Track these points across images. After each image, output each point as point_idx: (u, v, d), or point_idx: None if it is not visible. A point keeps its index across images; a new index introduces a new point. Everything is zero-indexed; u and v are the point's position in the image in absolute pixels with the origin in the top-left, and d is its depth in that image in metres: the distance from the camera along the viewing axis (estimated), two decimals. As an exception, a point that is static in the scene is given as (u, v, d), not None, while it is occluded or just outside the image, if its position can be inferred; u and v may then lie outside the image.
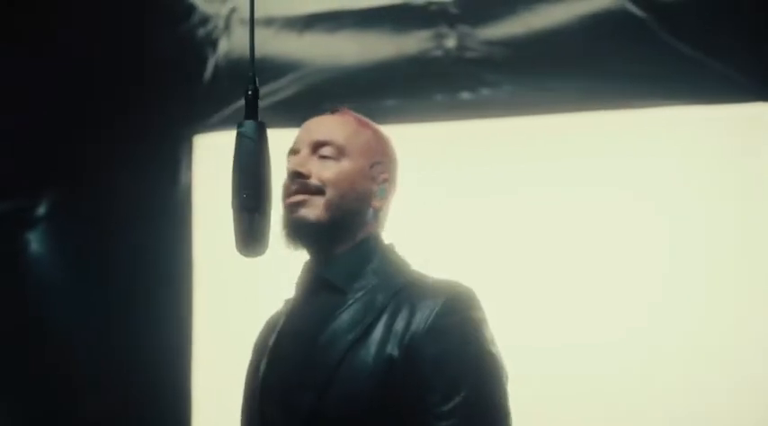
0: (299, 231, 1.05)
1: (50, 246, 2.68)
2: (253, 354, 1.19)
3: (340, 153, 1.07)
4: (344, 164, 1.06)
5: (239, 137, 0.94)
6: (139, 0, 2.27)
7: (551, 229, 2.33)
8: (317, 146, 1.08)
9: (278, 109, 2.61)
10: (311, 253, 1.09)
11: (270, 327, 1.17)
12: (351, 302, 1.00)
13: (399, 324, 0.94)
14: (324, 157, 1.06)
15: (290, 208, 1.05)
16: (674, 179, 2.30)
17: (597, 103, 2.39)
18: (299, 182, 1.04)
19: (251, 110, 0.95)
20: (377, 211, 1.10)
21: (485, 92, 2.51)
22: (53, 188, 2.68)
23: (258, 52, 2.56)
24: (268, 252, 0.96)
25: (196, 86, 2.63)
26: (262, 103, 2.81)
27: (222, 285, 2.67)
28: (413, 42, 2.46)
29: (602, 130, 2.40)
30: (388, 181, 1.13)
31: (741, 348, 2.19)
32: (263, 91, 2.82)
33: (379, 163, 1.12)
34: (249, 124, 0.94)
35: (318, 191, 1.04)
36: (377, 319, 0.96)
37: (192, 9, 2.37)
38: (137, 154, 2.66)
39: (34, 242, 2.65)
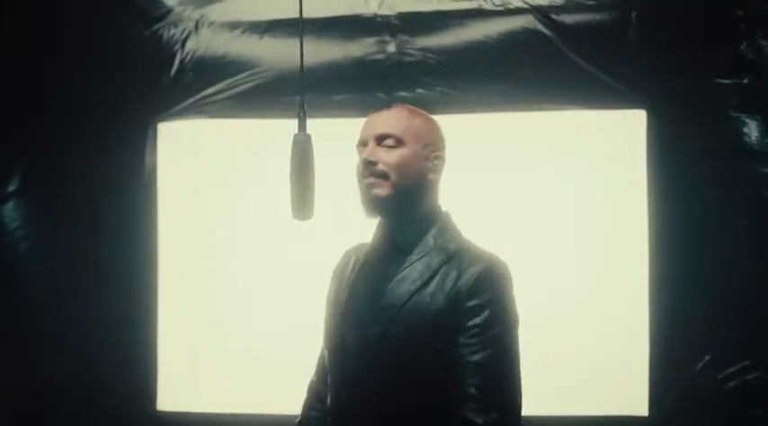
0: (374, 205, 1.30)
1: (22, 220, 2.84)
2: (333, 283, 1.46)
3: (398, 142, 1.30)
4: (403, 151, 1.30)
5: (294, 142, 1.28)
6: (120, 1, 2.45)
7: (476, 210, 2.72)
8: (380, 139, 1.31)
9: (239, 99, 2.90)
10: (384, 220, 1.37)
11: (346, 265, 1.45)
12: (413, 261, 1.26)
13: (449, 283, 1.21)
14: (386, 147, 1.30)
15: (367, 188, 1.30)
16: (573, 166, 2.76)
17: (513, 105, 2.79)
18: (370, 169, 1.29)
19: (302, 125, 1.30)
20: (433, 183, 1.35)
21: (420, 91, 2.83)
22: (24, 166, 2.84)
23: (223, 51, 2.86)
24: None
25: (163, 79, 2.85)
26: (222, 95, 3.12)
27: (184, 251, 2.95)
28: (359, 47, 2.76)
29: (517, 127, 2.80)
30: (439, 157, 1.37)
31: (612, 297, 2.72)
32: (224, 84, 3.12)
33: (431, 143, 1.35)
34: (301, 134, 1.29)
35: (384, 175, 1.28)
36: (432, 277, 1.24)
37: (167, 12, 2.58)
38: (105, 137, 2.86)
39: (6, 216, 2.81)
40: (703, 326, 2.67)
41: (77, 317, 2.86)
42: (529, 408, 2.68)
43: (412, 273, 1.26)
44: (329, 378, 1.38)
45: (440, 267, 1.25)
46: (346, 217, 1.66)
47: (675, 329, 2.69)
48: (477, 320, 1.19)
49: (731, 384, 2.64)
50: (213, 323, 2.91)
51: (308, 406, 1.55)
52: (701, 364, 2.68)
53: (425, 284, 1.24)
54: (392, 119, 1.33)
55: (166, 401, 2.91)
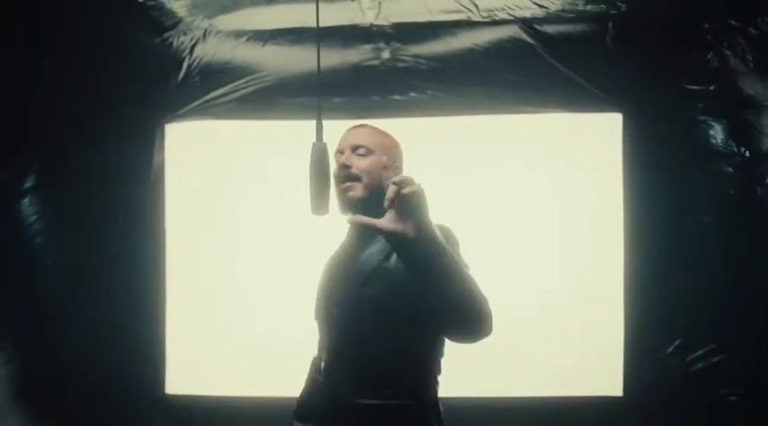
0: (349, 205, 1.55)
1: (38, 215, 2.99)
2: (323, 273, 1.68)
3: (369, 151, 1.57)
4: (372, 158, 1.56)
5: (313, 149, 1.46)
6: (135, 10, 2.60)
7: (462, 202, 2.93)
8: (354, 148, 1.57)
9: (242, 102, 3.08)
10: (350, 214, 1.56)
11: (330, 258, 1.68)
12: (377, 241, 1.52)
13: None
14: (359, 155, 1.56)
15: (343, 192, 1.55)
16: (555, 164, 2.98)
17: (499, 107, 2.99)
18: (345, 172, 1.54)
19: (319, 136, 1.48)
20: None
21: (412, 95, 3.02)
22: (40, 164, 2.97)
23: (228, 57, 3.03)
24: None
25: (171, 83, 3.02)
26: (227, 98, 3.28)
27: (190, 244, 3.13)
28: (356, 54, 2.95)
29: (502, 128, 3.01)
30: (398, 166, 1.64)
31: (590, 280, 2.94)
32: (228, 87, 3.29)
33: (393, 155, 1.63)
34: (319, 143, 1.47)
35: (357, 178, 1.54)
36: (392, 251, 1.43)
37: (177, 22, 2.73)
38: (116, 137, 3.02)
39: (23, 210, 2.96)
40: (674, 313, 2.89)
41: (90, 306, 3.00)
42: (512, 389, 2.92)
43: (377, 248, 1.52)
44: (321, 343, 1.63)
45: None
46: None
47: (648, 316, 2.92)
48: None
49: (699, 365, 2.86)
50: (219, 310, 3.08)
51: (311, 378, 1.73)
52: (671, 348, 2.90)
53: (388, 256, 1.49)
54: (365, 134, 1.60)
55: (174, 385, 3.09)
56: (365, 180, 1.54)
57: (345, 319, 1.51)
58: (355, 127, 1.64)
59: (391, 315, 1.46)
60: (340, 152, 1.60)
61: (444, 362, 1.61)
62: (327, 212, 1.49)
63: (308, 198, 1.46)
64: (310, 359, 1.68)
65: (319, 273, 1.71)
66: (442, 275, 1.27)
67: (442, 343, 1.57)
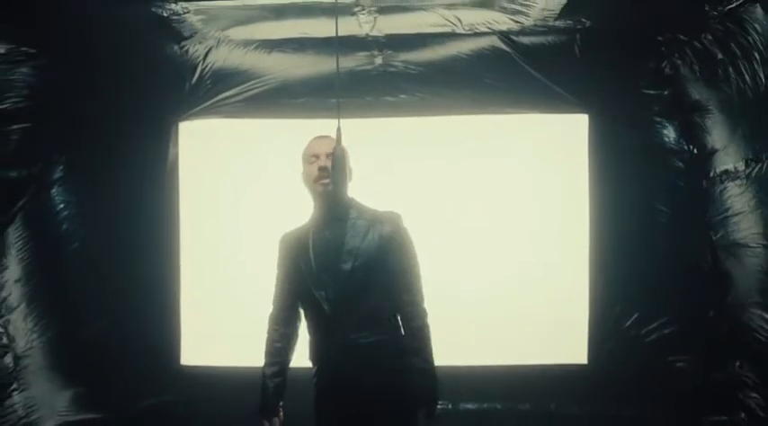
0: (325, 195, 1.94)
1: (64, 204, 3.31)
2: (290, 250, 2.04)
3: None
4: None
5: (335, 152, 1.87)
6: (160, 22, 2.87)
7: (444, 193, 3.29)
8: (327, 154, 1.95)
9: (249, 102, 3.41)
10: (328, 204, 1.97)
11: (296, 237, 2.04)
12: (351, 224, 1.96)
13: (379, 232, 1.94)
14: (329, 158, 1.94)
15: (323, 185, 1.94)
16: (529, 158, 3.35)
17: (480, 108, 3.34)
18: (325, 171, 1.94)
19: (339, 139, 1.88)
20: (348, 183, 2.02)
21: (402, 96, 3.36)
22: (67, 157, 3.27)
23: (238, 63, 3.37)
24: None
25: (186, 86, 3.33)
26: (236, 98, 3.59)
27: (203, 228, 3.44)
28: (352, 60, 3.27)
29: (483, 127, 3.37)
30: (351, 169, 2.03)
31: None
32: (237, 89, 3.61)
33: (348, 160, 2.01)
34: (339, 148, 1.87)
35: (330, 175, 1.93)
36: (368, 231, 1.96)
37: (194, 33, 3.03)
38: (135, 134, 3.34)
39: (53, 198, 3.27)
40: (633, 290, 3.28)
41: (111, 286, 3.33)
42: (489, 358, 3.27)
43: (356, 229, 1.97)
44: (310, 312, 2.01)
45: (369, 225, 1.98)
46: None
47: (610, 293, 3.30)
48: (401, 249, 1.98)
49: (653, 336, 3.26)
50: (230, 287, 3.40)
51: (271, 340, 2.10)
52: (630, 321, 3.29)
53: (366, 234, 1.96)
54: (331, 143, 1.96)
55: (189, 356, 3.42)
56: (335, 177, 1.96)
57: (342, 284, 1.92)
58: (321, 137, 2.04)
59: (375, 278, 1.94)
60: (316, 156, 1.99)
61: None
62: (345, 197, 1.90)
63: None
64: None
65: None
66: None
67: None
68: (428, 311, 1.99)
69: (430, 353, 1.97)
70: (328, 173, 1.92)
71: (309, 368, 2.04)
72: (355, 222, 1.96)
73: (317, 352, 2.00)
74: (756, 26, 2.51)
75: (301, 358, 2.08)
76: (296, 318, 2.08)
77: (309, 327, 2.04)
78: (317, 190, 1.96)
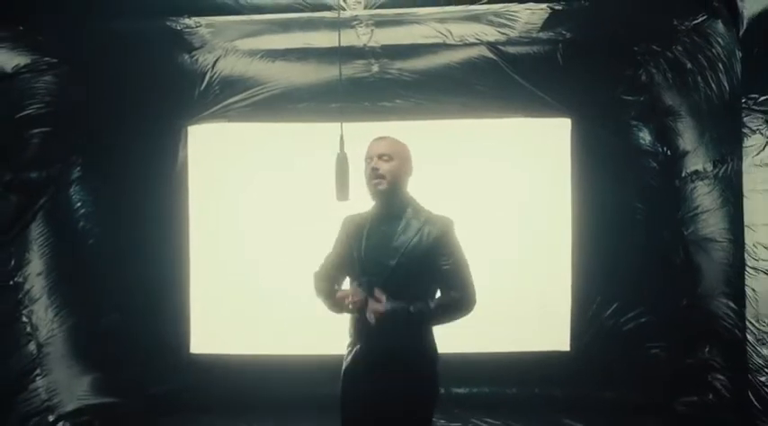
0: (377, 195, 2.11)
1: (81, 203, 3.53)
2: (348, 234, 2.19)
3: (390, 158, 2.11)
4: (393, 163, 2.11)
5: (338, 157, 2.09)
6: (173, 34, 3.04)
7: (435, 191, 3.41)
8: (380, 156, 2.11)
9: (254, 107, 3.63)
10: (383, 202, 2.12)
11: (357, 223, 2.20)
12: (405, 222, 2.11)
13: (428, 233, 2.08)
14: (384, 160, 2.10)
15: (375, 185, 2.10)
16: (515, 160, 3.58)
17: (469, 113, 3.57)
18: (375, 173, 2.09)
19: (342, 145, 2.10)
20: (407, 181, 2.17)
21: (398, 101, 3.58)
22: (84, 159, 3.49)
23: (244, 70, 3.62)
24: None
25: (195, 92, 3.54)
26: (242, 103, 3.85)
27: (211, 225, 3.66)
28: (351, 67, 3.49)
29: (473, 128, 3.60)
30: (410, 168, 2.18)
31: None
32: (243, 95, 3.85)
33: (407, 160, 2.17)
34: (342, 153, 2.09)
35: (383, 176, 2.09)
36: (419, 230, 2.09)
37: (205, 43, 3.22)
38: (147, 137, 3.58)
39: (71, 197, 3.50)
40: (612, 282, 3.52)
41: (124, 279, 3.56)
42: (480, 346, 3.50)
43: (409, 228, 2.12)
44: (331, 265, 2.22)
45: (421, 226, 2.13)
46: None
47: (591, 285, 3.55)
48: (446, 250, 2.12)
49: (630, 325, 3.51)
50: (241, 274, 3.62)
51: (317, 284, 2.23)
52: (609, 310, 3.54)
53: (416, 234, 2.11)
54: (388, 145, 2.15)
55: (199, 344, 3.64)
56: (389, 177, 2.12)
57: (385, 278, 2.06)
58: (379, 138, 2.18)
59: (415, 275, 2.10)
60: (369, 158, 2.15)
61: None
62: (348, 199, 2.10)
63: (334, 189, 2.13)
64: (330, 317, 2.21)
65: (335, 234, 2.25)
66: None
67: None
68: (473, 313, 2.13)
69: (434, 317, 2.09)
70: (378, 175, 2.08)
71: (338, 355, 2.21)
72: (409, 221, 2.11)
73: (356, 325, 2.16)
74: (719, 40, 2.74)
75: (329, 345, 2.21)
76: (335, 283, 2.21)
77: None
78: (371, 190, 2.13)
